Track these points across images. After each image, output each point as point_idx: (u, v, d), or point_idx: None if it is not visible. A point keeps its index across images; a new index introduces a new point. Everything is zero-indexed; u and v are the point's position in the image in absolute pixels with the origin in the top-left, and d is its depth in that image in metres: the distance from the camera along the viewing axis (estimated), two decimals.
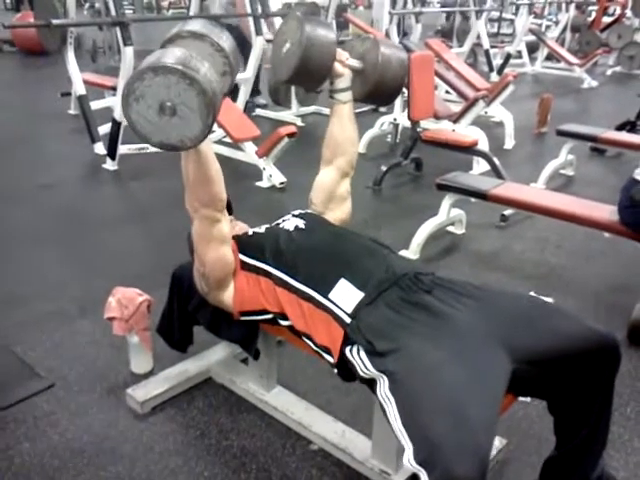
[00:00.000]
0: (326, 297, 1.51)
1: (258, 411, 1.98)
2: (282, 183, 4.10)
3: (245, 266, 1.71)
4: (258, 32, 4.91)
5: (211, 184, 1.60)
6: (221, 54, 1.56)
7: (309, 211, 1.92)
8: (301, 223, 1.78)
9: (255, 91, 6.06)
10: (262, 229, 1.82)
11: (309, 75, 1.79)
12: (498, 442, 1.80)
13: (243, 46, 5.24)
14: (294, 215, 1.85)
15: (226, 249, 1.69)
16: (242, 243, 1.77)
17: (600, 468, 1.57)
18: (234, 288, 1.71)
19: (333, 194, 1.94)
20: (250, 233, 1.82)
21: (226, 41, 1.60)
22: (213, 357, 2.15)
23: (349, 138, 1.95)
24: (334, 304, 1.49)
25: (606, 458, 1.68)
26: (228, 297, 1.73)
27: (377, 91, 1.89)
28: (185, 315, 1.97)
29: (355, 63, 1.89)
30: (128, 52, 4.17)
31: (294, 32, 1.78)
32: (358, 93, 1.91)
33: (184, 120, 1.36)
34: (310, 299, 1.54)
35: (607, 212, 2.66)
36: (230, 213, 2.00)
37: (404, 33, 8.52)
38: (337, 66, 1.86)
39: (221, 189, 1.63)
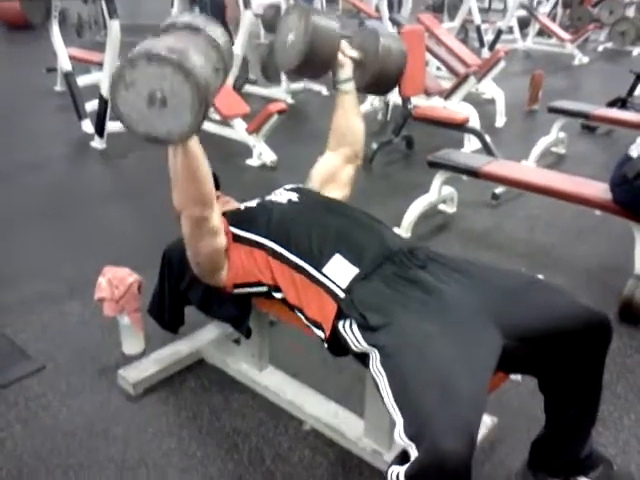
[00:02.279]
0: (320, 271, 1.51)
1: (250, 391, 1.98)
2: (273, 161, 4.06)
3: (238, 239, 1.70)
4: (246, 5, 4.82)
5: (199, 183, 1.54)
6: (216, 50, 1.51)
7: (301, 185, 1.90)
8: (294, 196, 1.77)
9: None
10: (253, 203, 1.81)
11: (314, 63, 1.81)
12: (489, 420, 1.82)
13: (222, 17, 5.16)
14: (286, 189, 1.84)
15: (219, 239, 1.66)
16: (233, 217, 1.76)
17: (589, 446, 1.59)
18: (228, 262, 1.70)
19: (334, 177, 1.95)
20: (242, 208, 1.80)
21: (221, 37, 1.56)
22: (205, 337, 2.15)
23: (354, 128, 1.95)
24: (328, 278, 1.49)
25: (595, 435, 1.70)
26: (224, 274, 1.71)
27: (377, 81, 1.91)
28: (176, 295, 1.96)
29: (356, 54, 1.90)
30: (114, 26, 4.08)
31: (298, 23, 1.80)
32: (358, 83, 1.93)
33: (174, 113, 1.30)
34: (303, 272, 1.54)
35: (598, 190, 2.66)
36: (217, 188, 1.98)
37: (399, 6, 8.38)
38: (339, 56, 1.87)
39: (210, 188, 1.58)
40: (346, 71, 1.90)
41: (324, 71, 1.88)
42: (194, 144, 1.49)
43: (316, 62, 1.81)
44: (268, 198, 1.81)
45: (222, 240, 1.67)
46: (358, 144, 1.99)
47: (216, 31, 1.55)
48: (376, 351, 1.32)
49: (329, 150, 1.99)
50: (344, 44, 1.89)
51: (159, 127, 1.33)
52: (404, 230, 3.11)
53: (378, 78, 1.90)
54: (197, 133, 1.41)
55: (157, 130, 1.33)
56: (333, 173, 1.95)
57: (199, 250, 1.67)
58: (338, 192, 1.93)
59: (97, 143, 4.34)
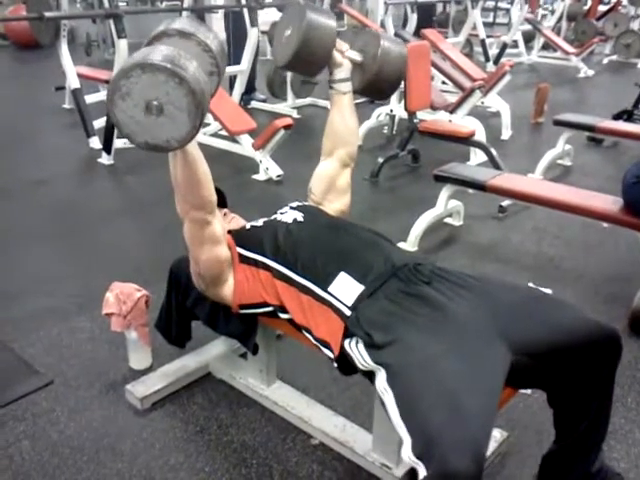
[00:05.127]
0: (326, 290, 1.51)
1: (258, 406, 1.97)
2: (279, 176, 4.08)
3: (244, 259, 1.70)
4: (253, 23, 4.87)
5: (200, 186, 1.57)
6: (209, 54, 1.53)
7: (307, 203, 1.91)
8: (299, 216, 1.77)
9: (251, 88, 6.02)
10: (260, 222, 1.80)
11: (308, 60, 1.80)
12: (499, 435, 1.80)
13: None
14: (292, 207, 1.84)
15: (220, 249, 1.67)
16: (240, 237, 1.76)
17: (600, 460, 1.58)
18: (234, 281, 1.70)
19: (333, 185, 1.93)
20: (248, 227, 1.81)
21: (213, 40, 1.57)
22: (212, 352, 2.14)
23: (349, 129, 1.95)
24: (334, 297, 1.49)
25: (606, 450, 1.69)
26: (227, 292, 1.71)
27: (375, 84, 1.89)
28: (183, 310, 1.96)
29: (355, 55, 1.90)
30: (122, 45, 4.13)
31: (295, 18, 1.79)
32: (356, 85, 1.92)
33: (171, 120, 1.31)
34: (309, 292, 1.54)
35: (606, 202, 2.66)
36: (224, 206, 1.99)
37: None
38: (337, 56, 1.87)
39: (210, 191, 1.60)
40: (344, 71, 1.89)
41: (318, 69, 1.86)
42: (193, 149, 1.51)
43: (310, 58, 1.79)
44: (274, 217, 1.81)
45: (224, 251, 1.68)
46: (353, 145, 1.97)
47: (208, 35, 1.56)
48: (382, 369, 1.31)
49: (324, 156, 1.97)
50: (344, 45, 1.88)
51: (158, 135, 1.34)
52: (411, 244, 3.11)
53: (376, 81, 1.88)
54: (194, 138, 1.42)
55: (156, 138, 1.34)
56: (331, 181, 1.93)
57: (199, 257, 1.67)
58: (339, 201, 1.93)
59: (105, 159, 4.37)
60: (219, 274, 1.69)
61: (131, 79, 1.29)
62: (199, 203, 1.59)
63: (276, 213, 1.83)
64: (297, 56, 1.77)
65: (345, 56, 1.88)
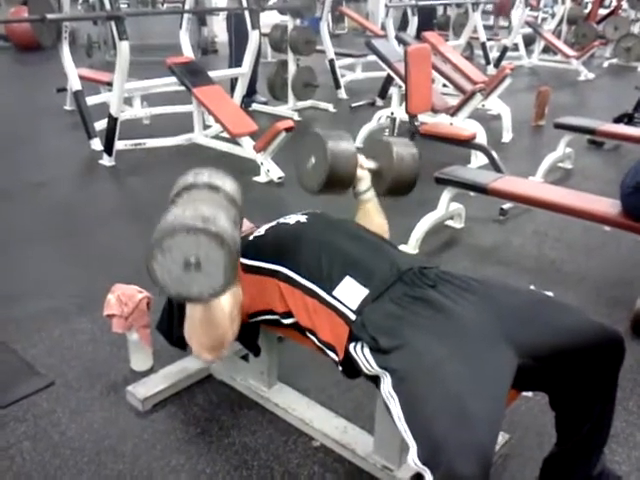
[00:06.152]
0: (330, 294, 1.51)
1: (259, 408, 1.97)
2: (280, 178, 4.08)
3: (247, 269, 1.70)
4: (254, 26, 4.87)
5: (216, 327, 1.56)
6: (233, 205, 1.61)
7: (311, 210, 1.91)
8: (303, 218, 1.77)
9: (253, 91, 6.03)
10: (262, 231, 1.80)
11: (336, 185, 1.91)
12: (501, 437, 1.80)
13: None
14: (296, 214, 1.84)
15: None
16: (243, 247, 1.75)
17: (602, 463, 1.57)
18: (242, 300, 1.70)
19: None
20: (250, 238, 1.80)
21: (236, 192, 1.65)
22: None
23: (378, 228, 1.98)
24: (339, 301, 1.49)
25: (608, 453, 1.69)
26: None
27: (395, 186, 1.97)
28: (184, 312, 1.96)
29: (372, 165, 1.98)
30: (124, 47, 4.14)
31: (317, 148, 1.88)
32: (378, 190, 1.99)
33: (207, 276, 1.35)
34: (314, 295, 1.54)
35: (607, 205, 2.66)
36: None
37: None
38: (358, 170, 1.93)
39: (224, 330, 1.58)
40: (365, 182, 1.96)
41: (347, 186, 1.95)
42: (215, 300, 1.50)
43: (338, 183, 1.90)
44: (276, 222, 1.82)
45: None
46: (384, 235, 2.00)
47: (232, 186, 1.65)
48: (387, 374, 1.31)
49: None
50: (361, 158, 1.95)
51: (192, 288, 1.36)
52: (412, 247, 3.11)
53: (396, 183, 1.96)
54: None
55: (190, 291, 1.37)
56: None
57: None
58: None
59: (106, 161, 4.37)
60: None
61: (175, 238, 1.32)
62: (211, 344, 1.59)
63: (279, 219, 1.83)
64: (327, 184, 1.88)
65: (364, 168, 1.95)
